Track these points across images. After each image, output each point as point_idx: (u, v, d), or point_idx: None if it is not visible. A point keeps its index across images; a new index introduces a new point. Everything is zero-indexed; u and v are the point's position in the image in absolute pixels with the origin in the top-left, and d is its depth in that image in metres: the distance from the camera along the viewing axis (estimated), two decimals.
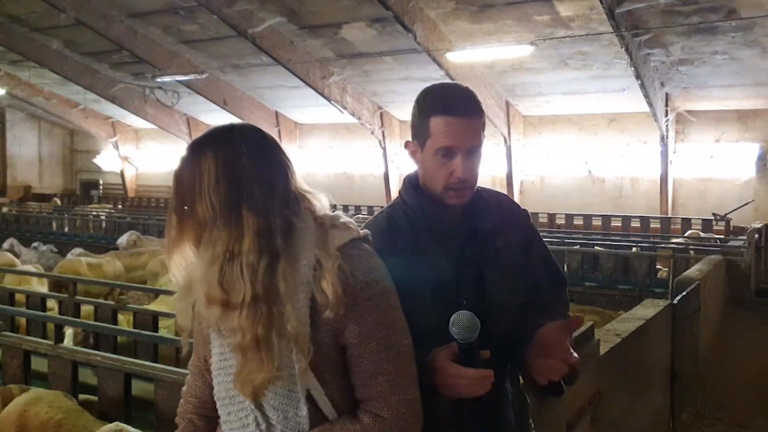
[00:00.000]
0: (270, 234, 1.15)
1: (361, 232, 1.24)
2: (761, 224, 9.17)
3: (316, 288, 1.15)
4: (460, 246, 1.47)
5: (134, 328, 4.82)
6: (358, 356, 1.18)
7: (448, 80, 11.04)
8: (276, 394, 1.15)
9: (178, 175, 1.23)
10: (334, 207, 1.28)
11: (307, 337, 1.12)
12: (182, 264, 1.21)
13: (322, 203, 1.24)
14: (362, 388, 1.18)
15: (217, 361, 1.20)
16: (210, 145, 1.20)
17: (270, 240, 1.15)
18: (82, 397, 3.16)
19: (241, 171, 1.17)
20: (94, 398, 3.17)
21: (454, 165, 1.42)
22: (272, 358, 1.12)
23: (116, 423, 2.61)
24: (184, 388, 1.38)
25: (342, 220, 1.23)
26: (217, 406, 1.22)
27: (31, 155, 22.86)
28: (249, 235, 1.14)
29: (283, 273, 1.14)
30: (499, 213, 1.55)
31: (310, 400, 1.15)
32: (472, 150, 1.44)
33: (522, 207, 1.68)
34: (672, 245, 8.81)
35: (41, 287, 7.27)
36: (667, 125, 12.13)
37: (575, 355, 1.37)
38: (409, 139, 1.52)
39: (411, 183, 1.54)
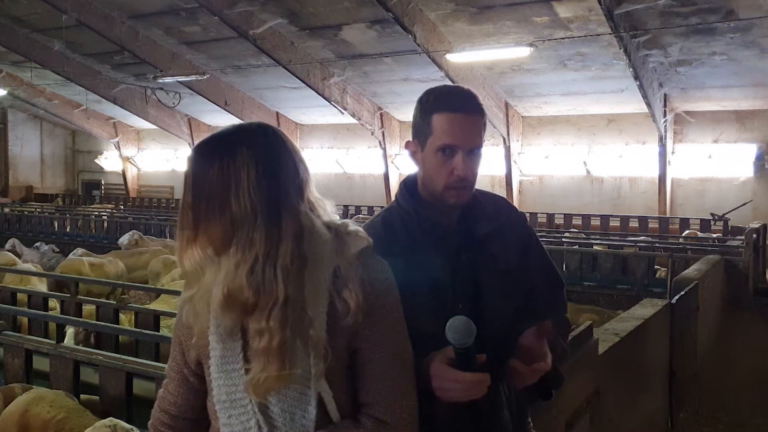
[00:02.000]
0: (302, 238, 1.15)
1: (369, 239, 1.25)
2: (759, 224, 9.18)
3: (336, 296, 1.16)
4: (456, 251, 1.48)
5: (136, 327, 4.83)
6: (367, 361, 1.19)
7: (447, 81, 11.15)
8: (286, 396, 1.15)
9: (202, 172, 1.17)
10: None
11: (324, 342, 1.13)
12: (199, 264, 1.17)
13: (328, 210, 1.24)
14: (367, 392, 1.20)
15: (219, 364, 1.17)
16: (245, 143, 1.17)
17: (301, 244, 1.15)
18: (84, 397, 3.18)
19: (279, 172, 1.16)
20: (96, 398, 3.19)
21: (454, 163, 1.43)
22: (294, 361, 1.12)
23: (110, 419, 2.61)
24: (161, 393, 1.33)
25: (352, 228, 1.24)
26: (216, 409, 1.19)
27: (32, 155, 22.87)
28: (287, 238, 1.13)
29: (309, 278, 1.14)
30: (497, 218, 1.55)
31: (319, 402, 1.16)
32: (473, 149, 1.44)
33: (520, 210, 1.70)
34: (671, 245, 8.84)
35: (41, 285, 7.30)
36: (665, 126, 12.14)
37: (548, 361, 1.36)
38: (410, 139, 1.52)
39: (407, 187, 1.55)
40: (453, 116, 1.43)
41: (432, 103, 1.46)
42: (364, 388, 1.20)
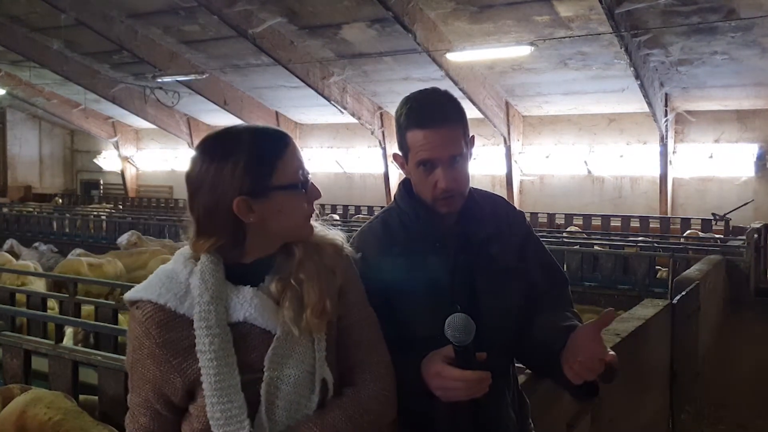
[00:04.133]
0: None
1: None
2: (760, 224, 9.16)
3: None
4: (454, 253, 1.47)
5: None
6: (345, 327, 1.27)
7: (448, 80, 11.13)
8: (297, 387, 1.18)
9: None
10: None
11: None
12: None
13: None
14: (347, 357, 1.27)
15: (213, 382, 1.14)
16: None
17: None
18: (82, 397, 3.16)
19: None
20: (94, 398, 3.17)
21: (436, 176, 1.42)
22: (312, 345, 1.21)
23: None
24: (133, 428, 1.24)
25: None
26: (211, 426, 1.16)
27: (31, 155, 22.84)
28: None
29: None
30: (495, 219, 1.54)
31: (323, 387, 1.20)
32: (454, 158, 1.42)
33: (518, 209, 1.69)
34: (672, 245, 8.82)
35: (39, 283, 7.28)
36: (666, 125, 12.13)
37: (611, 352, 1.34)
38: (397, 152, 1.52)
39: (406, 188, 1.54)
40: (425, 132, 1.41)
41: (404, 119, 1.45)
42: (345, 353, 1.27)
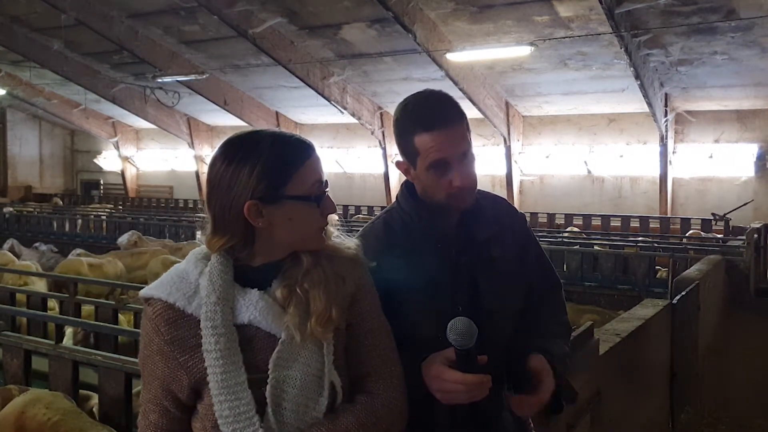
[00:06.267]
0: None
1: None
2: (760, 224, 9.12)
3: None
4: (456, 254, 1.47)
5: (135, 327, 4.81)
6: (357, 335, 1.27)
7: (448, 81, 11.13)
8: (303, 390, 1.18)
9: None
10: None
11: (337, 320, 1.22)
12: None
13: None
14: (359, 365, 1.26)
15: (219, 380, 1.16)
16: None
17: None
18: (82, 393, 3.17)
19: None
20: (92, 393, 3.18)
21: (451, 175, 1.42)
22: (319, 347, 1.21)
23: None
24: (143, 424, 1.27)
25: None
26: (219, 424, 1.18)
27: (31, 155, 22.84)
28: None
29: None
30: (497, 220, 1.54)
31: (332, 391, 1.20)
32: (464, 155, 1.43)
33: (521, 210, 1.70)
34: (672, 245, 8.82)
35: (40, 284, 7.28)
36: (666, 125, 12.13)
37: (543, 396, 1.38)
38: (399, 159, 1.51)
39: (408, 189, 1.54)
40: (433, 134, 1.41)
41: (408, 124, 1.44)
42: (357, 361, 1.26)
